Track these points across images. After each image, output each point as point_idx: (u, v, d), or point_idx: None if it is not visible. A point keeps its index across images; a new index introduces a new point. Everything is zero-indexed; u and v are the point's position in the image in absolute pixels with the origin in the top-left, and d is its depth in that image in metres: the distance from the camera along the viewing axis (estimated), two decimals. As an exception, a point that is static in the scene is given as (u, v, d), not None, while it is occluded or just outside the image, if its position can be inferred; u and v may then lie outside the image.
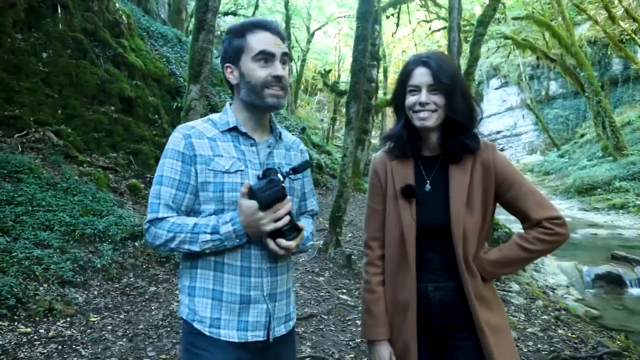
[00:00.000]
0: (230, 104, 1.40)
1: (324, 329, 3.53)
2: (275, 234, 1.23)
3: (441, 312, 1.38)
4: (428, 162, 1.45)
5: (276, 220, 1.21)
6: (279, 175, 1.23)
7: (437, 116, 1.37)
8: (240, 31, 1.30)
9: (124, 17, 8.08)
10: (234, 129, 1.33)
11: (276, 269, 1.33)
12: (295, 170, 1.29)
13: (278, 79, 1.28)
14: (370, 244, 1.51)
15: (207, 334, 1.26)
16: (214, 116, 1.38)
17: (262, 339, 1.30)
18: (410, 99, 1.40)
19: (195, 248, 1.24)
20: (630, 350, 3.75)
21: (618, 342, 3.91)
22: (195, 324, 1.28)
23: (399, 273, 1.42)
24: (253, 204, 1.19)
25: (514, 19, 17.62)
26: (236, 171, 1.28)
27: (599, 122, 15.00)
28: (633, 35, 17.71)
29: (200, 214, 1.29)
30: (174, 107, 7.95)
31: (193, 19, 5.90)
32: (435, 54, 1.43)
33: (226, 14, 19.67)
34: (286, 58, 1.32)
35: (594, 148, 16.91)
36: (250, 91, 1.29)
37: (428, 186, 1.42)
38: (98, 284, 3.90)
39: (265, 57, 1.27)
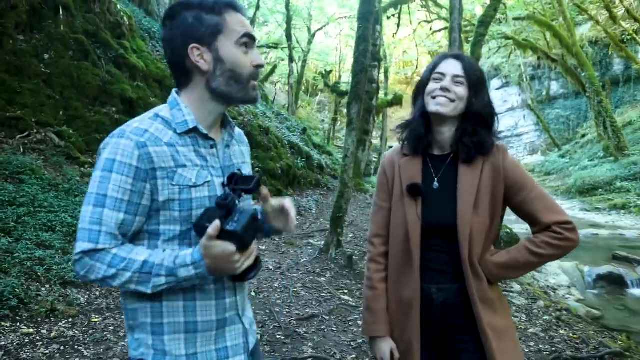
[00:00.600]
0: (177, 93, 1.14)
1: (326, 330, 3.53)
2: (243, 273, 1.05)
3: (444, 313, 1.37)
4: (437, 161, 1.44)
5: (250, 254, 1.03)
6: (236, 201, 1.03)
7: (455, 107, 1.37)
8: (217, 8, 1.07)
9: (125, 18, 8.10)
10: (193, 129, 1.09)
11: (242, 285, 1.20)
12: (249, 191, 1.08)
13: (261, 67, 1.13)
14: (373, 241, 1.52)
15: None
16: (162, 112, 1.11)
17: None
18: (432, 85, 1.41)
19: (145, 289, 1.01)
20: (632, 350, 3.74)
21: (620, 343, 3.91)
22: None
23: (402, 272, 1.42)
24: (229, 247, 0.97)
25: (515, 19, 17.62)
26: (203, 183, 1.08)
27: (600, 123, 14.99)
28: (634, 35, 17.70)
29: (158, 235, 1.07)
30: (175, 108, 7.96)
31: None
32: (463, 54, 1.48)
33: (227, 14, 19.69)
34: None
35: (595, 148, 16.90)
36: (232, 81, 1.09)
37: (436, 184, 1.41)
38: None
39: (248, 42, 1.10)
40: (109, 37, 7.44)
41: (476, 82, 1.38)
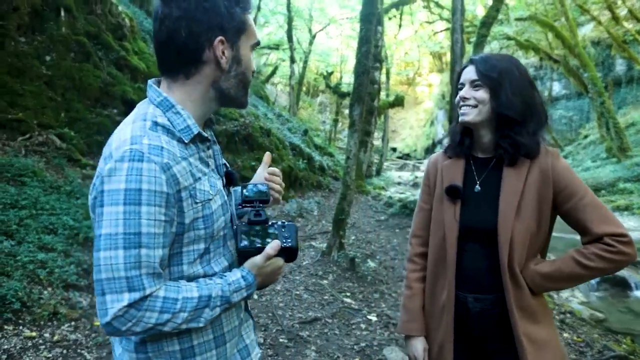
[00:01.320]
0: (157, 83, 1.03)
1: (329, 333, 3.51)
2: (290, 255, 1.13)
3: (481, 323, 1.34)
4: (481, 164, 1.41)
5: None
6: (261, 212, 1.07)
7: (478, 112, 1.34)
8: (244, 5, 0.99)
9: (126, 20, 8.10)
10: (197, 135, 0.99)
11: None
12: (266, 202, 1.12)
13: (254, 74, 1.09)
14: (412, 241, 1.53)
15: None
16: (157, 117, 0.96)
17: (260, 353, 1.19)
18: (457, 96, 1.40)
19: (196, 325, 0.94)
20: (637, 354, 3.72)
21: (624, 346, 3.88)
22: None
23: (438, 275, 1.41)
24: (280, 262, 1.04)
25: (517, 19, 17.61)
26: (217, 192, 1.01)
27: (602, 123, 14.94)
28: (637, 36, 17.64)
29: (181, 257, 0.96)
30: (177, 109, 7.96)
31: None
32: (493, 53, 1.41)
33: (228, 16, 19.71)
34: None
35: (598, 149, 16.85)
36: (242, 85, 1.02)
37: (478, 187, 1.38)
38: (102, 287, 3.89)
39: (254, 49, 1.06)
40: (111, 38, 7.44)
41: (492, 81, 1.33)
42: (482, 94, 1.33)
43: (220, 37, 0.95)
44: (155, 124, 0.94)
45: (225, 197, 1.05)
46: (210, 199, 0.97)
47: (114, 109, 6.90)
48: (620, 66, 19.60)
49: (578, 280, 1.30)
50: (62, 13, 6.74)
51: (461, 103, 1.36)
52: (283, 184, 1.20)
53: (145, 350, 0.97)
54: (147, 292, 0.87)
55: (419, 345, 1.44)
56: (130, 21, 8.29)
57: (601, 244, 1.23)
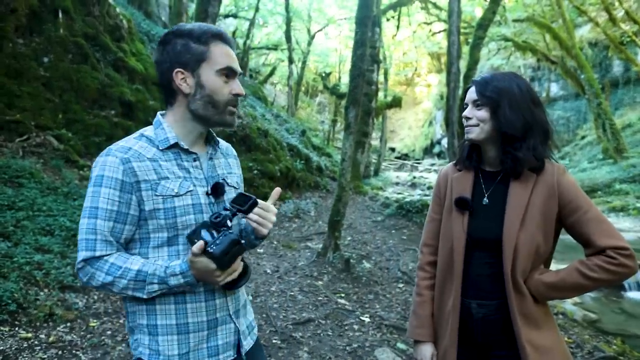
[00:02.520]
0: (162, 115, 1.28)
1: (321, 334, 3.55)
2: (230, 283, 1.17)
3: (484, 329, 1.40)
4: (489, 177, 1.47)
5: (233, 271, 1.14)
6: (228, 222, 1.13)
7: (480, 130, 1.41)
8: (204, 38, 1.20)
9: (124, 21, 8.13)
10: (175, 145, 1.22)
11: None
12: (245, 211, 1.18)
13: (238, 97, 1.25)
14: (422, 249, 1.60)
15: None
16: (147, 132, 1.24)
17: (232, 358, 1.27)
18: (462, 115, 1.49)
19: (141, 295, 1.14)
20: (627, 354, 3.77)
21: (614, 347, 3.93)
22: None
23: (446, 283, 1.47)
24: (211, 265, 1.09)
25: (515, 21, 17.65)
26: (186, 192, 1.19)
27: (599, 124, 15.00)
28: (634, 37, 17.70)
29: (148, 241, 1.19)
30: (175, 110, 7.99)
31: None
32: (496, 73, 1.46)
33: (227, 16, 19.73)
34: (239, 76, 1.29)
35: (595, 150, 16.91)
36: (210, 105, 1.21)
37: (486, 200, 1.44)
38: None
39: (229, 73, 1.22)
40: (108, 40, 7.47)
41: (491, 101, 1.39)
42: (483, 113, 1.41)
43: (177, 69, 1.19)
44: (142, 135, 1.23)
45: (202, 201, 1.22)
46: (174, 196, 1.17)
47: (111, 111, 6.93)
48: (617, 67, 19.66)
49: (581, 290, 1.35)
50: (60, 14, 6.77)
51: (465, 122, 1.45)
52: (272, 220, 1.26)
53: (128, 318, 1.24)
54: (97, 254, 1.13)
55: (427, 350, 1.51)
56: (128, 22, 8.32)
57: (604, 256, 1.29)
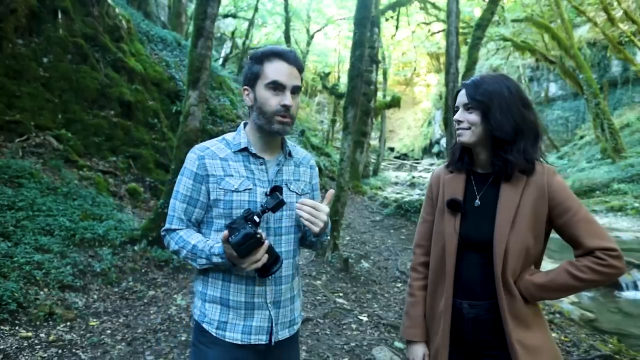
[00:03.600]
0: (245, 124, 1.50)
1: (320, 333, 3.58)
2: (261, 270, 1.31)
3: (474, 329, 1.42)
4: (480, 179, 1.49)
5: (255, 261, 1.27)
6: (256, 217, 1.27)
7: (472, 133, 1.43)
8: (260, 58, 1.40)
9: (123, 21, 8.15)
10: (245, 149, 1.44)
11: (280, 278, 1.44)
12: (271, 210, 1.33)
13: (286, 108, 1.38)
14: (415, 250, 1.62)
15: (214, 334, 1.41)
16: (228, 136, 1.50)
17: (264, 342, 1.41)
18: (454, 118, 1.51)
19: (195, 265, 1.40)
20: (622, 353, 3.79)
21: (610, 346, 3.95)
22: (204, 324, 1.43)
23: (438, 284, 1.49)
24: (233, 252, 1.25)
25: (514, 21, 17.66)
26: (245, 190, 1.40)
27: (597, 124, 15.03)
28: (632, 37, 17.72)
29: (212, 224, 1.43)
30: (174, 111, 8.02)
31: (192, 24, 5.97)
32: (486, 75, 1.47)
33: (226, 16, 19.74)
34: (297, 89, 1.42)
35: (593, 150, 16.94)
36: (261, 115, 1.39)
37: (477, 202, 1.46)
38: (97, 288, 3.96)
39: (276, 86, 1.37)
40: (108, 40, 7.49)
41: (481, 105, 1.41)
42: (474, 117, 1.42)
43: (244, 87, 1.45)
44: (223, 138, 1.49)
45: (258, 199, 1.40)
46: (233, 191, 1.39)
47: (111, 111, 6.96)
48: (615, 67, 19.69)
49: (570, 290, 1.37)
50: (60, 15, 6.79)
51: (456, 126, 1.47)
52: (323, 219, 1.37)
53: (194, 285, 1.53)
54: (172, 227, 1.43)
55: (419, 350, 1.53)
56: (128, 23, 8.34)
57: (593, 257, 1.30)
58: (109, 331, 3.32)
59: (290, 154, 1.52)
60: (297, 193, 1.48)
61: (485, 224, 1.41)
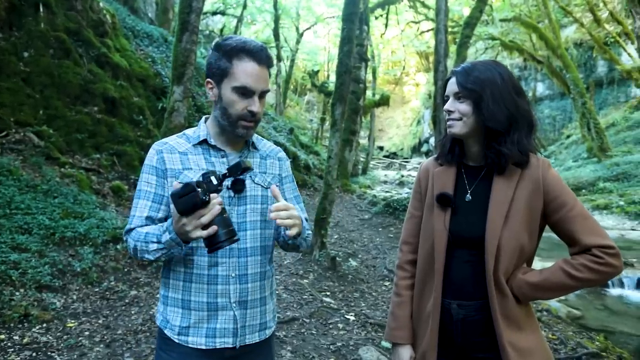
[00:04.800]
0: (206, 119, 1.43)
1: (305, 333, 3.51)
2: (209, 241, 1.15)
3: (464, 330, 1.34)
4: (472, 172, 1.41)
5: (204, 228, 1.13)
6: (213, 178, 1.14)
7: (463, 124, 1.34)
8: (229, 54, 1.29)
9: (108, 16, 7.99)
10: (204, 141, 1.37)
11: (246, 277, 1.34)
12: (230, 172, 1.21)
13: (253, 114, 1.31)
14: (402, 248, 1.52)
15: (176, 341, 1.33)
16: (188, 131, 1.44)
17: (230, 346, 1.32)
18: (443, 108, 1.42)
19: (150, 257, 1.26)
20: (609, 351, 3.79)
21: (597, 343, 3.95)
22: (166, 331, 1.35)
23: (426, 282, 1.41)
24: (175, 212, 1.14)
25: (502, 20, 17.77)
26: None
27: (584, 124, 15.18)
28: (617, 38, 17.96)
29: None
30: (159, 107, 7.89)
31: (177, 19, 5.87)
32: (476, 62, 1.39)
33: (214, 13, 19.56)
34: (265, 93, 1.34)
35: (580, 149, 17.12)
36: (225, 117, 1.33)
37: (469, 196, 1.38)
38: (77, 288, 3.85)
39: (245, 91, 1.29)
40: (91, 35, 7.33)
41: (473, 94, 1.31)
42: (465, 107, 1.34)
43: (207, 79, 1.35)
44: (183, 133, 1.43)
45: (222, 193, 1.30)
46: (208, 193, 1.27)
47: (94, 107, 6.80)
48: (601, 67, 19.93)
49: (565, 290, 1.30)
50: (41, 8, 6.62)
51: (447, 116, 1.38)
52: (295, 215, 1.25)
53: (161, 284, 1.42)
54: (132, 226, 1.32)
55: (405, 353, 1.44)
56: (112, 18, 8.18)
57: (589, 255, 1.24)
58: (87, 333, 3.21)
59: (254, 146, 1.45)
60: (262, 186, 1.40)
61: (476, 219, 1.32)
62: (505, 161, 1.30)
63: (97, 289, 3.95)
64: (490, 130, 1.32)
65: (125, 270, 4.37)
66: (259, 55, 1.30)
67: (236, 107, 1.30)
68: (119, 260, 4.45)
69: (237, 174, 1.22)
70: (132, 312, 3.66)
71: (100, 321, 3.42)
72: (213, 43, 1.38)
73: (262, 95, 1.33)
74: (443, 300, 1.35)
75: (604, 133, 14.95)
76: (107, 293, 3.93)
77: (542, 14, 16.84)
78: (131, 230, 1.32)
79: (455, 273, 1.35)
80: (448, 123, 1.38)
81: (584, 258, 1.24)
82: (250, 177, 1.38)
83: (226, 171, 1.21)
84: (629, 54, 17.62)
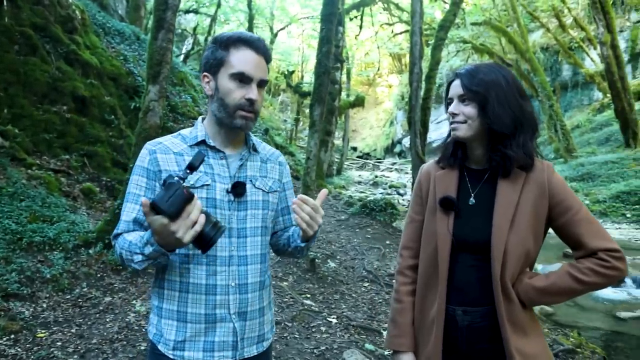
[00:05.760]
0: (203, 119, 1.37)
1: (288, 337, 3.46)
2: (200, 240, 1.07)
3: (469, 337, 1.31)
4: (475, 176, 1.38)
5: (193, 225, 1.03)
6: (176, 179, 1.04)
7: (468, 127, 1.32)
8: (226, 43, 1.26)
9: (77, 12, 7.70)
10: (202, 142, 1.30)
11: (246, 286, 1.28)
12: (191, 167, 1.09)
13: (251, 102, 1.25)
14: (402, 253, 1.49)
15: (171, 356, 1.24)
16: (184, 131, 1.36)
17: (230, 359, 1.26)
18: (447, 111, 1.39)
19: (137, 267, 1.17)
20: (583, 346, 3.90)
21: (572, 340, 4.06)
22: (160, 346, 1.26)
23: (429, 288, 1.37)
24: (162, 220, 1.01)
25: (473, 24, 18.17)
26: (202, 185, 1.24)
27: (551, 125, 15.70)
28: (581, 44, 18.68)
29: None
30: (132, 107, 7.66)
31: (152, 17, 5.71)
32: (480, 64, 1.37)
33: (187, 11, 19.21)
34: (264, 83, 1.30)
35: (547, 150, 17.67)
36: (222, 108, 1.26)
37: (472, 200, 1.35)
38: (47, 295, 3.67)
39: (243, 78, 1.24)
40: (60, 31, 7.04)
41: (479, 96, 1.30)
42: (470, 109, 1.32)
43: (204, 73, 1.30)
44: (179, 134, 1.35)
45: (217, 196, 1.25)
46: (190, 187, 1.20)
47: (63, 106, 6.54)
48: (566, 71, 20.67)
49: (572, 294, 1.29)
50: (5, 2, 6.31)
51: (451, 119, 1.35)
52: (319, 222, 1.22)
53: (151, 299, 1.33)
54: (119, 231, 1.24)
55: None
56: (82, 13, 7.90)
57: (596, 259, 1.23)
58: (59, 343, 3.06)
59: (255, 149, 1.38)
60: (263, 190, 1.34)
61: (481, 223, 1.30)
62: (511, 164, 1.29)
63: (68, 296, 3.78)
64: (495, 133, 1.31)
65: (99, 275, 4.21)
66: (257, 44, 1.27)
67: (233, 96, 1.24)
68: (92, 265, 4.28)
69: (198, 164, 1.10)
70: (107, 319, 3.52)
71: (73, 330, 3.27)
72: (210, 39, 1.36)
73: (261, 84, 1.28)
74: (447, 306, 1.32)
75: (570, 134, 15.51)
76: (79, 300, 3.77)
77: (511, 18, 17.34)
78: (118, 235, 1.24)
79: (459, 278, 1.32)
80: (452, 126, 1.35)
81: (591, 262, 1.24)
82: (251, 181, 1.32)
83: (187, 167, 1.09)
84: (591, 59, 18.35)
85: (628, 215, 9.79)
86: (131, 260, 1.16)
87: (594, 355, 3.68)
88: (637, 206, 9.86)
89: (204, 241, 1.07)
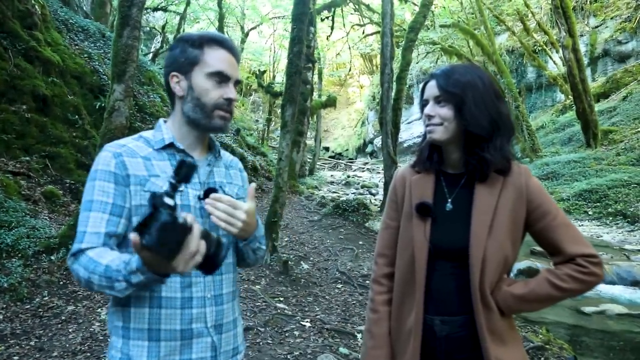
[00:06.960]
0: (165, 121, 1.29)
1: (261, 343, 3.39)
2: (205, 265, 0.98)
3: (447, 348, 1.27)
4: (452, 180, 1.34)
5: (192, 255, 0.93)
6: (166, 199, 0.90)
7: (444, 130, 1.28)
8: (199, 42, 1.21)
9: (37, 7, 7.37)
10: (170, 145, 1.22)
11: (222, 297, 1.22)
12: (182, 180, 0.95)
13: (230, 102, 1.22)
14: (377, 260, 1.43)
15: None
16: (145, 134, 1.27)
17: None
18: (422, 113, 1.34)
19: (116, 294, 1.03)
20: (551, 343, 3.99)
21: (541, 336, 4.15)
22: None
23: (406, 297, 1.32)
24: (157, 257, 0.91)
25: (442, 26, 18.50)
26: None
27: (517, 126, 16.15)
28: (544, 47, 19.32)
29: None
30: (97, 107, 7.39)
31: (117, 13, 5.51)
32: (455, 65, 1.33)
33: (156, 9, 18.74)
34: (238, 83, 1.26)
35: (514, 150, 18.18)
36: (198, 108, 1.20)
37: (449, 205, 1.31)
38: (4, 306, 3.47)
39: (221, 77, 1.21)
40: (18, 27, 6.72)
41: (455, 97, 1.26)
42: (447, 111, 1.28)
43: (172, 73, 1.22)
44: (140, 136, 1.25)
45: (191, 203, 1.18)
46: (184, 220, 1.04)
47: (23, 105, 6.23)
48: (531, 74, 21.34)
49: (551, 301, 1.26)
50: (-43, -4, 5.98)
51: (427, 121, 1.31)
52: (241, 218, 1.12)
53: (109, 320, 1.19)
54: (83, 246, 1.08)
55: None
56: (42, 9, 7.56)
57: (573, 265, 1.22)
58: (16, 357, 2.89)
59: (219, 154, 1.33)
60: (231, 196, 1.24)
61: (458, 229, 1.27)
62: (488, 168, 1.26)
63: (28, 306, 3.59)
64: (472, 136, 1.28)
65: (61, 283, 4.02)
66: (229, 44, 1.25)
67: (211, 96, 1.19)
68: (54, 272, 4.08)
69: (188, 178, 0.96)
70: (70, 330, 3.35)
71: (32, 343, 3.10)
72: (174, 39, 1.27)
73: (235, 85, 1.25)
74: (425, 316, 1.28)
75: (535, 135, 16.00)
76: (40, 310, 3.58)
77: (478, 21, 17.76)
78: (82, 251, 1.07)
79: (437, 287, 1.29)
80: (428, 129, 1.31)
81: (569, 268, 1.22)
82: (221, 187, 1.26)
83: (173, 179, 0.94)
84: (554, 62, 19.01)
85: (590, 213, 10.16)
86: (109, 288, 1.02)
87: (562, 351, 3.77)
88: (598, 204, 10.24)
89: (209, 265, 0.99)
